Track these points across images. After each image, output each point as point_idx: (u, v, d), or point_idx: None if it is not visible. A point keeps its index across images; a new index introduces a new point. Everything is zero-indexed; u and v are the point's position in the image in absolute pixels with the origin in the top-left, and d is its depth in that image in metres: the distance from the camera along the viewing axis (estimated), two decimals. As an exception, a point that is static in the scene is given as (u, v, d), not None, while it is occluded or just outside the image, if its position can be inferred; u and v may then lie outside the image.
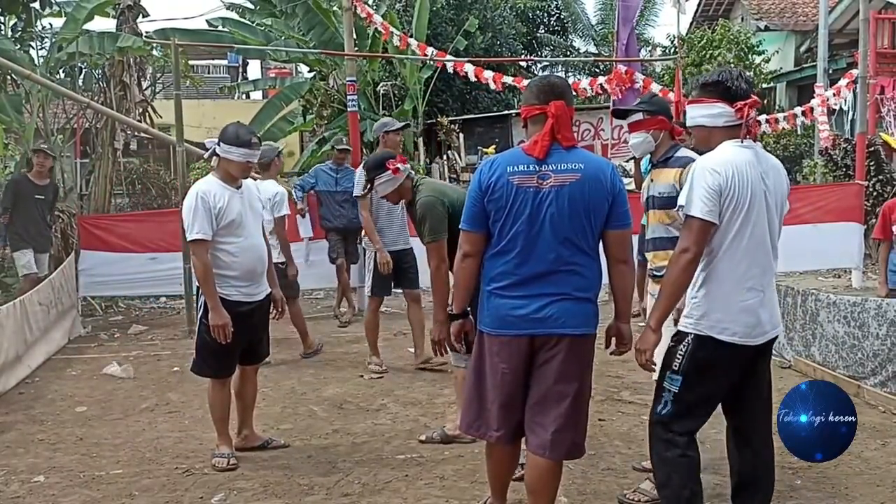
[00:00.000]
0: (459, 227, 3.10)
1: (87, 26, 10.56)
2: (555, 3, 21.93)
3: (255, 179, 5.18)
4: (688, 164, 3.42)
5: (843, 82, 10.20)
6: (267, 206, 5.92)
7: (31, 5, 10.60)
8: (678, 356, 2.93)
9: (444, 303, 3.92)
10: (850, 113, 11.51)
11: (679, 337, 2.96)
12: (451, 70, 10.34)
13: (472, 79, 10.00)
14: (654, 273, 3.73)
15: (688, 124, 3.10)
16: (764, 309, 2.91)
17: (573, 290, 2.95)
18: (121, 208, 11.38)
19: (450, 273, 4.01)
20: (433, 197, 4.22)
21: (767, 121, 10.55)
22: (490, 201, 2.97)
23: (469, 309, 3.25)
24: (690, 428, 2.98)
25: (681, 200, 2.91)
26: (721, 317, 2.86)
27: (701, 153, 3.13)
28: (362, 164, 6.53)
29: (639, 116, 3.83)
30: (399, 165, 4.48)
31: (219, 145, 4.21)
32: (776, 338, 3.04)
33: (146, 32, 11.52)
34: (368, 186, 4.71)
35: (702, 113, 2.97)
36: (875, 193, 9.93)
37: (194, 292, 4.49)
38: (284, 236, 6.35)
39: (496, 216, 2.98)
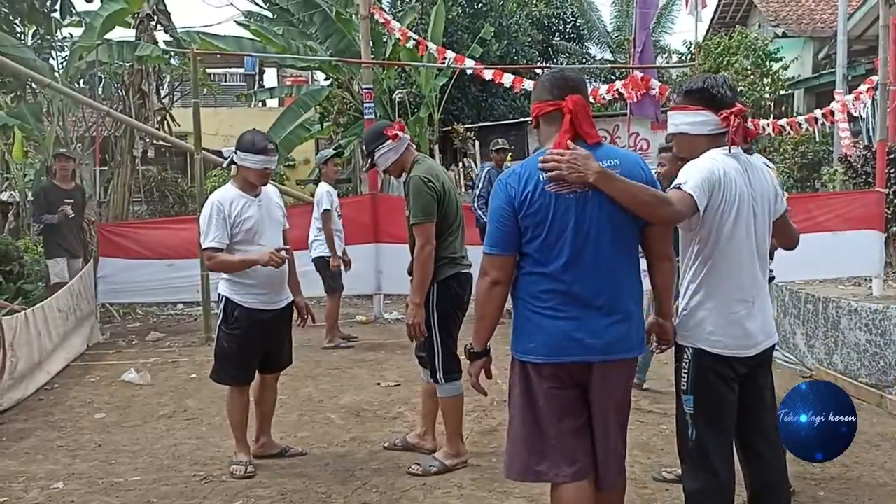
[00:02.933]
0: (483, 250, 2.73)
1: (107, 36, 10.67)
2: (571, 10, 21.90)
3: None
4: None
5: (863, 88, 10.10)
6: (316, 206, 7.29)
7: (52, 15, 10.73)
8: (683, 375, 2.86)
9: (423, 286, 3.93)
10: (870, 120, 11.40)
11: (679, 354, 2.90)
12: (470, 73, 10.34)
13: (489, 78, 10.00)
14: None
15: (670, 131, 2.98)
16: (753, 320, 2.84)
17: (630, 304, 2.69)
18: (139, 215, 11.47)
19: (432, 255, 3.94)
20: (427, 177, 4.06)
21: (789, 124, 10.48)
22: (527, 216, 2.62)
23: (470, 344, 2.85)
24: (726, 446, 2.88)
25: (678, 181, 2.75)
26: (713, 329, 2.79)
27: (684, 161, 3.02)
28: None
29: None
30: (398, 132, 4.24)
31: (236, 153, 4.22)
32: (773, 347, 2.97)
33: (167, 39, 11.63)
34: (369, 162, 4.40)
35: (686, 120, 2.87)
36: (896, 201, 9.81)
37: (212, 299, 4.50)
38: (328, 229, 7.23)
39: (535, 232, 2.63)
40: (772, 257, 3.22)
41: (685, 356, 2.85)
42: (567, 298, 2.63)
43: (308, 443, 4.76)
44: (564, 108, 2.66)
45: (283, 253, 4.16)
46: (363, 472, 4.24)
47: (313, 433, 4.97)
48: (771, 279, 3.55)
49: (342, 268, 7.43)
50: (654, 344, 2.96)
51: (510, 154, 14.49)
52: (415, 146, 4.45)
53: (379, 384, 6.10)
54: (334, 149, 14.74)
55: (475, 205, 8.35)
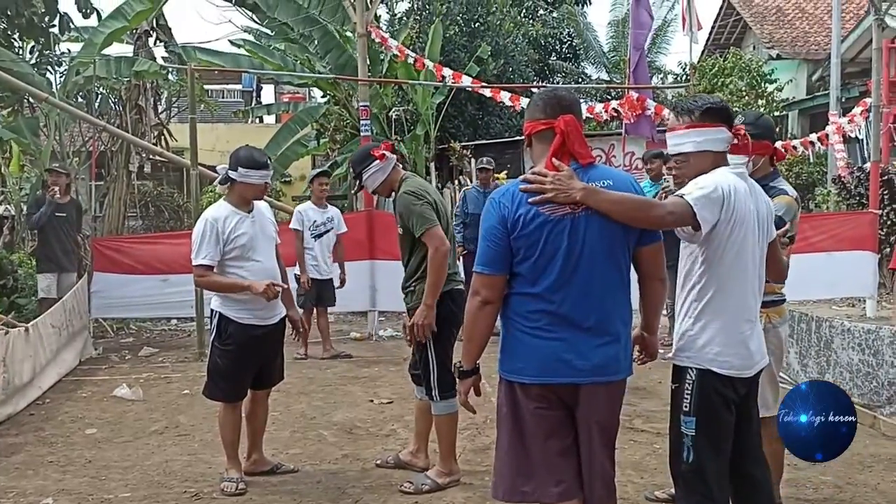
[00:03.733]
0: (473, 269, 2.73)
1: (105, 51, 10.72)
2: (567, 30, 22.05)
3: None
4: (780, 196, 3.41)
5: (857, 110, 10.19)
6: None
7: (50, 30, 10.77)
8: (686, 396, 2.84)
9: (438, 287, 3.98)
10: (865, 141, 11.49)
11: (680, 375, 2.88)
12: (466, 91, 10.41)
13: (488, 96, 10.08)
14: None
15: (688, 150, 2.93)
16: (753, 340, 2.86)
17: (620, 326, 2.69)
18: (134, 230, 11.46)
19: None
20: (416, 189, 4.13)
21: (784, 147, 10.56)
22: (519, 237, 2.61)
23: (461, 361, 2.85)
24: (722, 469, 2.87)
25: (684, 191, 2.76)
26: (720, 350, 2.79)
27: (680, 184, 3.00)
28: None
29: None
30: (384, 152, 4.26)
31: (236, 170, 4.23)
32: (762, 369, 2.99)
33: (164, 57, 11.69)
34: (358, 184, 4.42)
35: (707, 138, 2.89)
36: (889, 222, 9.88)
37: (206, 315, 4.50)
38: (298, 249, 7.46)
39: (527, 253, 2.61)
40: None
41: (688, 377, 2.84)
42: (556, 319, 2.63)
43: (300, 460, 4.74)
44: (556, 128, 2.65)
45: (278, 288, 4.14)
46: (355, 490, 4.22)
47: (305, 450, 4.95)
48: (783, 301, 3.57)
49: (321, 286, 7.67)
50: (638, 356, 2.97)
51: (506, 172, 14.57)
52: (409, 165, 4.49)
53: (372, 401, 6.08)
54: (330, 166, 14.84)
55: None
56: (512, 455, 2.72)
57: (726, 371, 2.80)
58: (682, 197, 2.73)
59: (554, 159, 2.63)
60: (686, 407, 2.84)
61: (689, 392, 2.82)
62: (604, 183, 2.65)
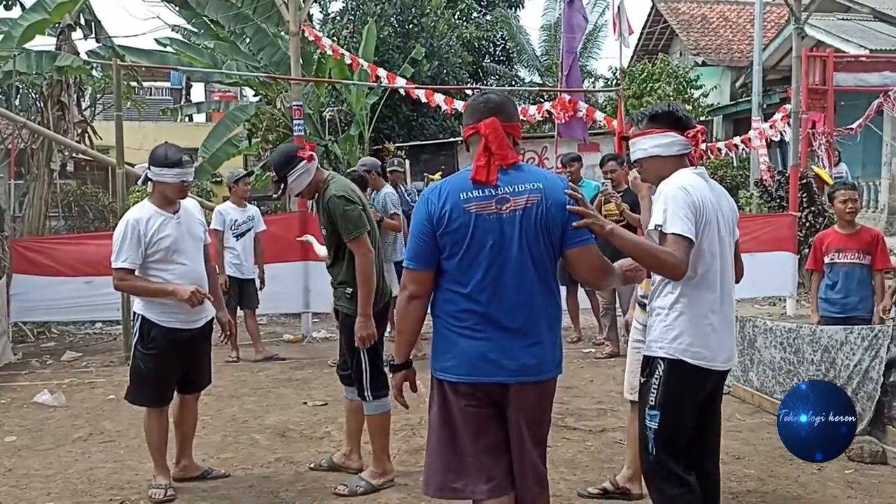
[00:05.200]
0: (403, 264, 2.78)
1: (26, 45, 10.32)
2: (500, 33, 22.23)
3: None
4: None
5: (777, 116, 10.58)
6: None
7: (-33, 22, 10.33)
8: (653, 391, 2.91)
9: (370, 296, 3.98)
10: (786, 146, 11.93)
11: (650, 369, 2.94)
12: (402, 93, 10.39)
13: (424, 101, 10.10)
14: (641, 300, 3.73)
15: (639, 156, 3.07)
16: (726, 335, 2.95)
17: (547, 327, 2.71)
18: (56, 231, 11.07)
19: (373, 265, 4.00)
20: (347, 193, 4.08)
21: (709, 149, 10.89)
22: (445, 234, 2.64)
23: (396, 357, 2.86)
24: (683, 459, 2.93)
25: (656, 219, 2.83)
26: (693, 340, 2.87)
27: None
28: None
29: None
30: (311, 152, 4.18)
31: (150, 169, 4.10)
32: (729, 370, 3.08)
33: (89, 50, 11.33)
34: (282, 188, 4.24)
35: (655, 143, 3.00)
36: (808, 224, 10.27)
37: (131, 318, 4.37)
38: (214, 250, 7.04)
39: (453, 250, 2.64)
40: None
41: (658, 370, 2.90)
42: (483, 319, 2.65)
43: (232, 464, 4.65)
44: (481, 131, 2.69)
45: (202, 296, 4.03)
46: (288, 494, 4.16)
47: (237, 454, 4.86)
48: None
49: (254, 286, 7.67)
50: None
51: (440, 173, 14.59)
52: (343, 166, 4.46)
53: (305, 403, 6.01)
54: (262, 166, 14.62)
55: None
56: (441, 452, 2.75)
57: (698, 361, 2.87)
58: (663, 233, 2.80)
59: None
60: (652, 401, 2.91)
61: (657, 386, 2.90)
62: (533, 185, 2.66)
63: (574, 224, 2.66)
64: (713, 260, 2.91)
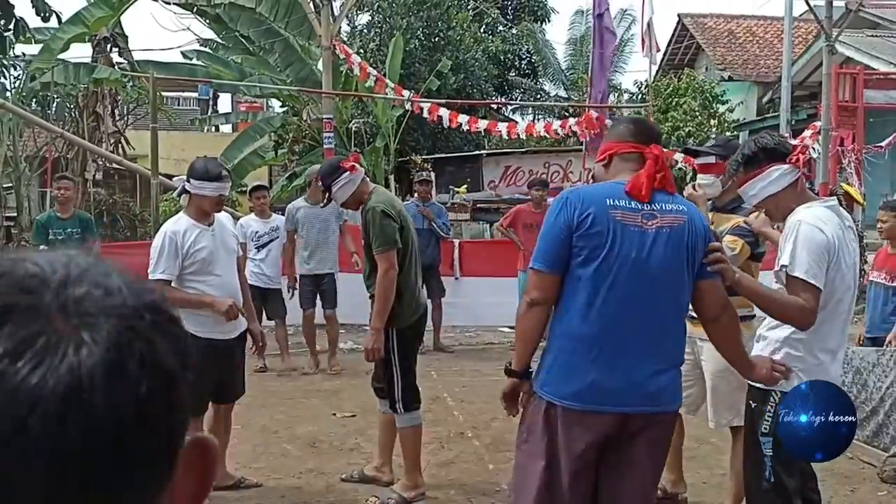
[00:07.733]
0: (530, 266, 2.61)
1: (62, 56, 10.55)
2: (526, 47, 22.34)
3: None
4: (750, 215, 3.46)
5: (807, 133, 10.54)
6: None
7: (5, 34, 10.56)
8: (767, 419, 2.91)
9: (385, 311, 3.97)
10: (815, 162, 11.88)
11: (763, 398, 2.93)
12: (426, 114, 10.44)
13: (447, 124, 10.16)
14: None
15: (754, 204, 3.03)
16: (835, 368, 3.02)
17: (676, 356, 2.57)
18: (88, 239, 11.22)
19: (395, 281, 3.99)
20: (384, 206, 4.11)
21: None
22: (584, 237, 2.44)
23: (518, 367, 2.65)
24: (808, 479, 2.99)
25: (783, 259, 2.75)
26: (803, 378, 2.89)
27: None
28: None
29: (710, 159, 3.75)
30: (354, 163, 4.22)
31: (189, 182, 4.18)
32: None
33: (119, 63, 11.54)
34: (327, 197, 4.34)
35: (762, 185, 2.90)
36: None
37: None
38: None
39: (590, 255, 2.44)
40: None
41: (772, 399, 2.90)
42: (615, 339, 2.47)
43: (264, 474, 4.70)
44: (648, 154, 2.60)
45: (237, 311, 4.11)
46: (320, 505, 4.21)
47: (269, 464, 4.91)
48: (752, 316, 3.67)
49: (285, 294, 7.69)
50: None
51: (466, 186, 14.66)
52: (369, 177, 4.50)
53: (335, 414, 6.05)
54: (288, 177, 14.76)
55: None
56: (534, 483, 2.55)
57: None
58: (789, 275, 2.72)
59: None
60: (765, 429, 2.92)
61: (772, 414, 2.89)
62: (680, 207, 2.58)
63: (705, 261, 2.56)
64: (843, 298, 2.86)
